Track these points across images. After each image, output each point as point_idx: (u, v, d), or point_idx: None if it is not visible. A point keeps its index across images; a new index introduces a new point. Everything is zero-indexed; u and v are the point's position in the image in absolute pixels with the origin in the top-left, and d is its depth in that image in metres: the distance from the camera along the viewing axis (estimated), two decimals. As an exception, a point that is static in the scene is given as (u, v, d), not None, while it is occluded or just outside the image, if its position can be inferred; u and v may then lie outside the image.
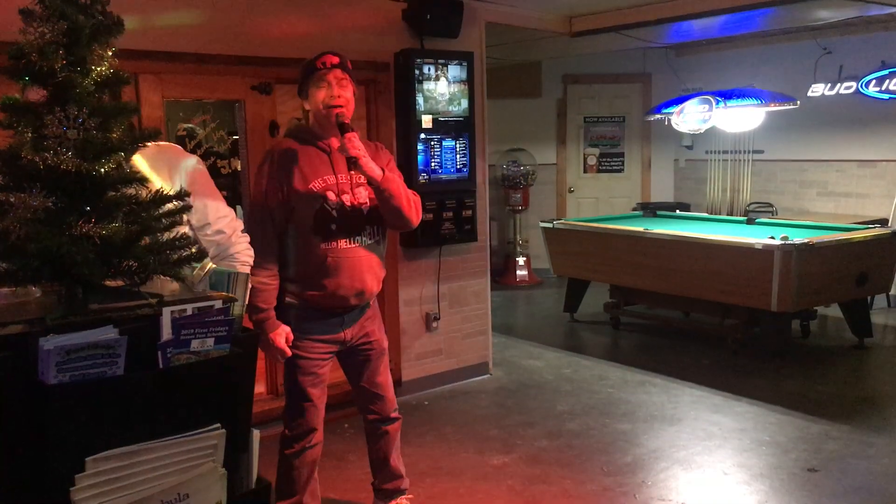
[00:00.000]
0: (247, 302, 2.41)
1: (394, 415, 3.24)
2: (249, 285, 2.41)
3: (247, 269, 2.54)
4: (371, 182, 2.87)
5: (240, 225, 2.58)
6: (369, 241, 2.96)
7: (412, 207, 2.98)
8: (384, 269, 3.09)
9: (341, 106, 2.85)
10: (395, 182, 2.92)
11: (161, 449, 1.71)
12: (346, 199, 2.88)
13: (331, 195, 2.86)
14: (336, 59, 2.88)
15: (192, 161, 2.53)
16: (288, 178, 2.85)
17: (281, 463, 3.06)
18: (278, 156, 2.91)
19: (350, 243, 2.90)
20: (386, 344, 3.21)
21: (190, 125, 5.03)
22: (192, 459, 1.77)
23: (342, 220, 2.87)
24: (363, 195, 2.92)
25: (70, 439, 1.62)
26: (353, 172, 2.88)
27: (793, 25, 7.07)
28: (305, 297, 2.92)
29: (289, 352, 2.89)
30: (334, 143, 2.90)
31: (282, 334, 2.87)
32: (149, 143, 1.93)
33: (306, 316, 2.94)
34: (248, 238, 2.60)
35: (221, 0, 4.21)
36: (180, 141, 4.97)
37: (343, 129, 2.82)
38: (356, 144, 2.80)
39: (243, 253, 2.56)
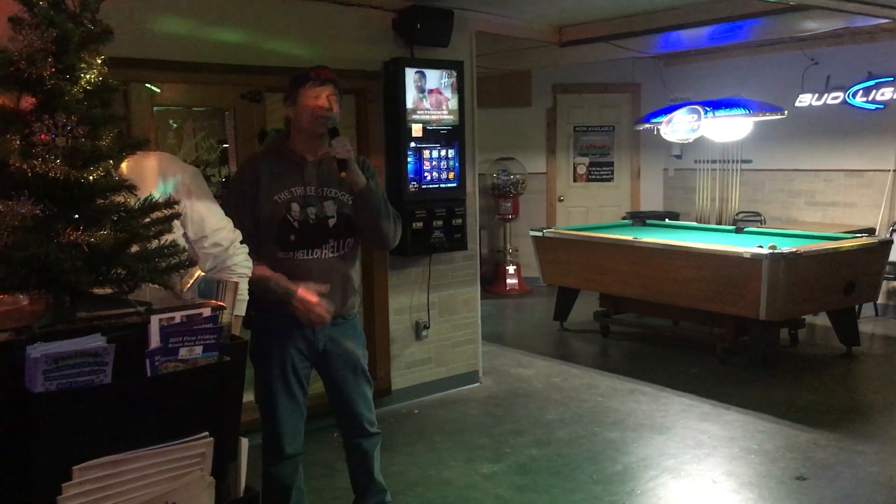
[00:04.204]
0: (240, 309, 2.40)
1: (373, 430, 3.13)
2: (240, 294, 2.38)
3: (244, 281, 2.47)
4: (353, 190, 2.87)
5: (238, 236, 2.50)
6: (331, 255, 2.93)
7: (391, 224, 2.96)
8: (353, 286, 3.03)
9: (333, 115, 2.85)
10: (378, 195, 2.92)
11: (148, 457, 1.70)
12: (312, 211, 2.88)
13: (295, 207, 2.86)
14: (332, 75, 2.91)
15: (188, 171, 2.45)
16: (254, 188, 2.87)
17: (263, 475, 3.03)
18: (248, 167, 2.98)
19: (308, 255, 2.89)
20: (364, 361, 3.10)
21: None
22: (179, 468, 1.76)
23: (303, 232, 2.87)
24: (331, 208, 2.91)
25: (57, 448, 1.61)
26: (323, 188, 2.88)
27: (780, 36, 7.13)
28: (268, 304, 2.91)
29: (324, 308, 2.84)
30: (309, 155, 2.91)
31: (306, 288, 2.81)
32: (139, 152, 1.92)
33: (278, 321, 2.91)
34: (246, 249, 2.53)
35: (211, 8, 4.22)
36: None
37: (333, 133, 2.83)
38: (348, 147, 2.81)
39: (241, 265, 2.49)
